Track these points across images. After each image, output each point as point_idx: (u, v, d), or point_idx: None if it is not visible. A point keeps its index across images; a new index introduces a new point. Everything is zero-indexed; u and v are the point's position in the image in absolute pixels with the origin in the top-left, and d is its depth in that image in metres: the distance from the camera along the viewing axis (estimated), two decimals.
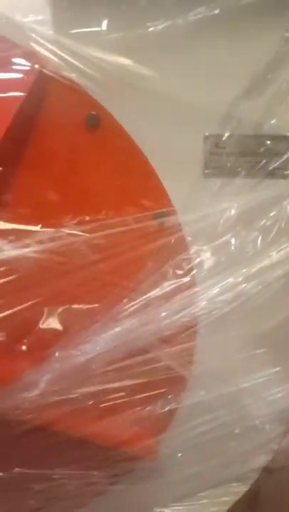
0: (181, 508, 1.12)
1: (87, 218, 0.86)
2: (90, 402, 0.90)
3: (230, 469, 1.07)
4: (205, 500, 1.14)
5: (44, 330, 0.81)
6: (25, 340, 0.81)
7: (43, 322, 0.81)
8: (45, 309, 0.80)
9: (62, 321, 0.81)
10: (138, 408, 0.98)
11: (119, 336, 0.81)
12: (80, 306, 0.81)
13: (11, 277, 0.76)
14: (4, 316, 0.75)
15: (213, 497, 1.13)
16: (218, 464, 1.04)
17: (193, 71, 0.91)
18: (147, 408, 0.98)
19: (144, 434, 0.99)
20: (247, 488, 1.12)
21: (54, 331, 0.81)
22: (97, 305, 0.81)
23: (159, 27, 0.82)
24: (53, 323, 0.81)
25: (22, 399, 0.81)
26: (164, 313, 0.86)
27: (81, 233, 0.81)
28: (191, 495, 1.11)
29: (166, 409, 0.99)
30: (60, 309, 0.80)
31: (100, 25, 0.83)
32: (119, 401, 0.94)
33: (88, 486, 0.91)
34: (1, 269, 0.75)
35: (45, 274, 0.78)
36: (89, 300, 0.82)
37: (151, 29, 0.82)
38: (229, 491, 1.12)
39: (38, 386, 0.81)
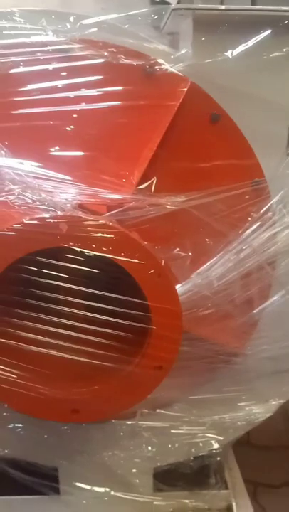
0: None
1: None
2: (209, 312, 1.34)
3: None
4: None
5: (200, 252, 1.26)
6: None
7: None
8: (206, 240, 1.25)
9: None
10: (235, 319, 1.41)
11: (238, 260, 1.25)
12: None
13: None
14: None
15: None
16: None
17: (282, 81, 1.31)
18: (241, 319, 1.42)
19: (237, 337, 1.44)
20: None
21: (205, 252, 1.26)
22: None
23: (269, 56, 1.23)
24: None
25: None
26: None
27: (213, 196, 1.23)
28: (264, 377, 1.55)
29: (253, 320, 1.44)
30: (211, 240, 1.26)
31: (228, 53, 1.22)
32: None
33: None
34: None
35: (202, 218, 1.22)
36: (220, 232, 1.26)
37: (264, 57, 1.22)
38: None
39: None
